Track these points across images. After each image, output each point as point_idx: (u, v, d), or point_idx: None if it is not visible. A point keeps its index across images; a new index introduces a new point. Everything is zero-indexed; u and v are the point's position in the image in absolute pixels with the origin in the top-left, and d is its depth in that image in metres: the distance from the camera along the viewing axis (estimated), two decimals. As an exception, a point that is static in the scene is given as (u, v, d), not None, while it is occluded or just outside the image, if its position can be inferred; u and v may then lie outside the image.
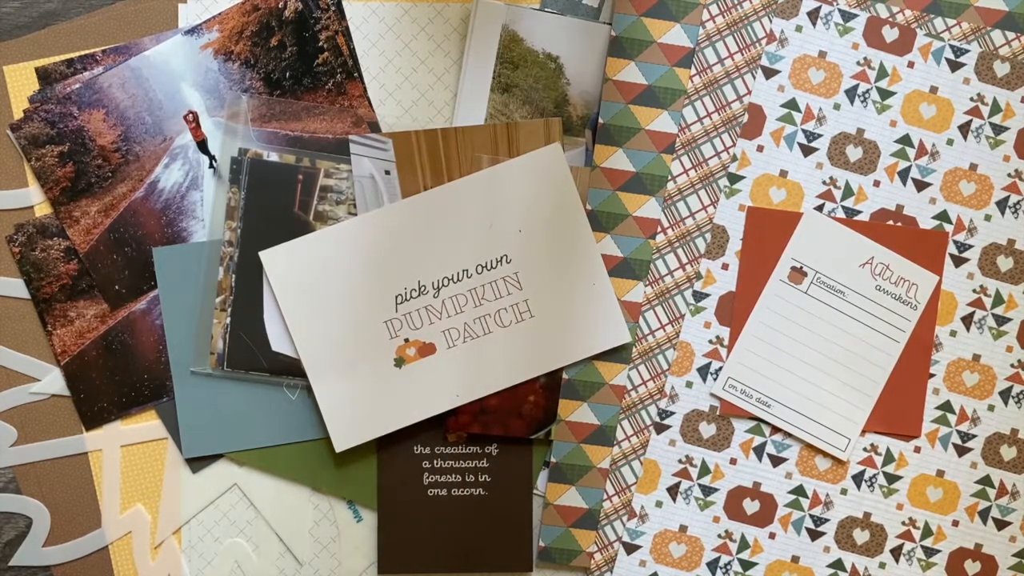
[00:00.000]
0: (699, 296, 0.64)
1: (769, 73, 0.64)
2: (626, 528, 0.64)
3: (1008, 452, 0.65)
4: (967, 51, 0.64)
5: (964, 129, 0.64)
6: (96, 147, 0.64)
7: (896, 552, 0.65)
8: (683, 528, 0.64)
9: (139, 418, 0.65)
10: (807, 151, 0.64)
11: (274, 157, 0.64)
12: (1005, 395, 0.65)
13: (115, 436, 0.65)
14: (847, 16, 0.63)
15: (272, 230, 0.63)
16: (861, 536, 0.65)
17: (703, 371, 0.64)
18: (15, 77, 0.64)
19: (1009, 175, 0.64)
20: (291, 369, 0.63)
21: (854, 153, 0.64)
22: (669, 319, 0.64)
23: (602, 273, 0.63)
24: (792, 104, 0.64)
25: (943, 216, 0.64)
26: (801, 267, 0.64)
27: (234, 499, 0.65)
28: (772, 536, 0.64)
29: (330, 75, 0.65)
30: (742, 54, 0.63)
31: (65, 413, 0.65)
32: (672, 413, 0.64)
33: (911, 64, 0.64)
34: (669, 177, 0.64)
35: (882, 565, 0.65)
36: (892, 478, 0.64)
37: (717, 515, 0.64)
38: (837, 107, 0.64)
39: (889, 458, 0.64)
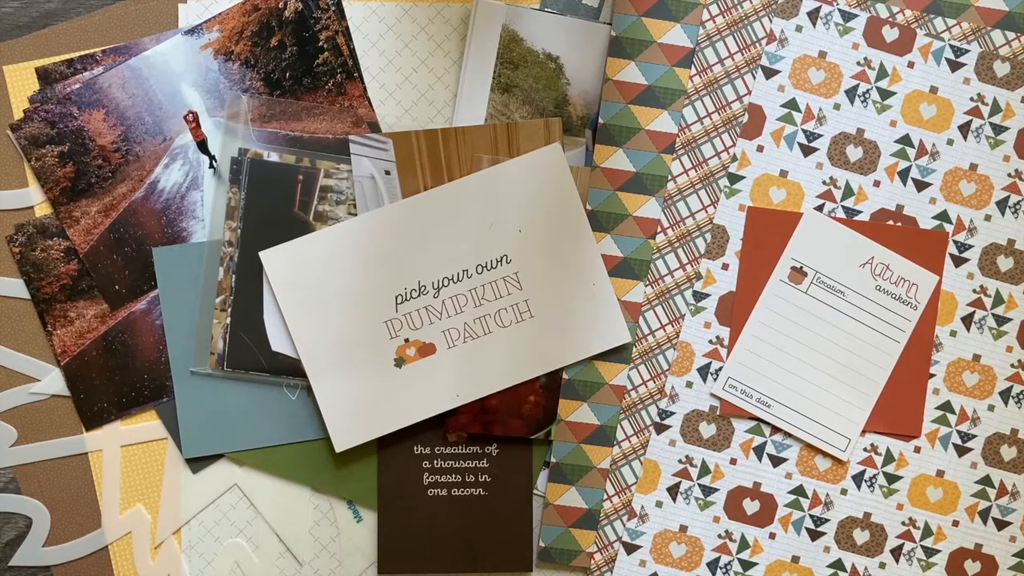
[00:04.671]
0: (699, 296, 0.64)
1: (769, 73, 0.64)
2: (626, 528, 0.64)
3: (1008, 452, 0.65)
4: (967, 51, 0.64)
5: (964, 129, 0.64)
6: (96, 147, 0.64)
7: (896, 552, 0.65)
8: (683, 528, 0.64)
9: (139, 418, 0.65)
10: (807, 151, 0.64)
11: (274, 157, 0.64)
12: (1005, 395, 0.65)
13: (115, 436, 0.65)
14: (847, 16, 0.64)
15: (272, 230, 0.63)
16: (861, 536, 0.65)
17: (703, 371, 0.64)
18: (15, 77, 0.64)
19: (1009, 175, 0.64)
20: (291, 369, 0.63)
21: (854, 153, 0.64)
22: (669, 319, 0.64)
23: (602, 273, 0.63)
24: (792, 104, 0.64)
25: (943, 216, 0.64)
26: (801, 267, 0.64)
27: (234, 499, 0.65)
28: (772, 536, 0.64)
29: (330, 75, 0.65)
30: (742, 54, 0.63)
31: (65, 413, 0.65)
32: (672, 413, 0.64)
33: (911, 64, 0.64)
34: (669, 177, 0.64)
35: (882, 565, 0.65)
36: (892, 478, 0.64)
37: (717, 515, 0.64)
38: (837, 107, 0.64)
39: (889, 458, 0.64)
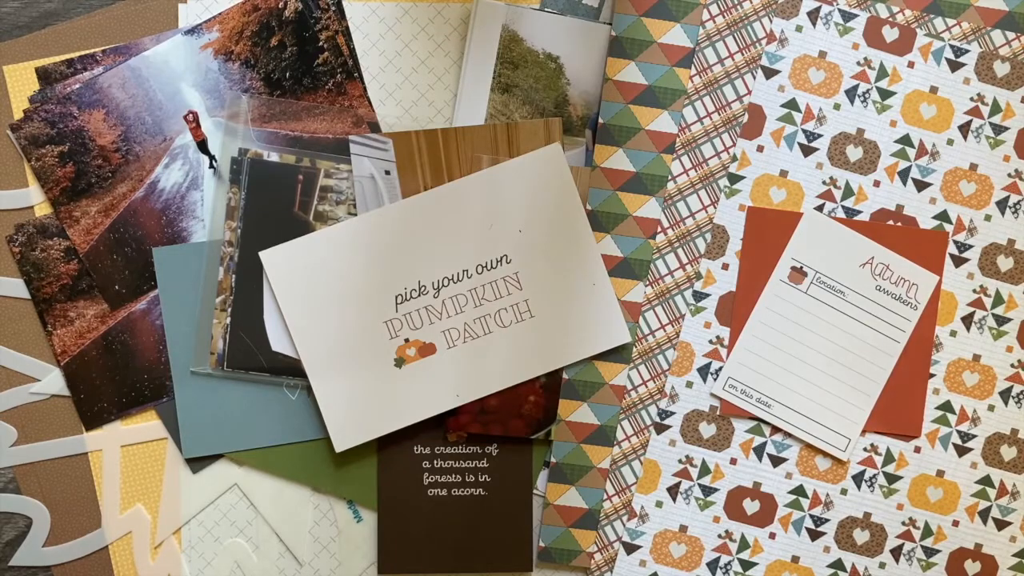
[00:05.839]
0: (699, 296, 0.64)
1: (769, 73, 0.64)
2: (626, 528, 0.64)
3: (1008, 452, 0.65)
4: (967, 51, 0.64)
5: (964, 129, 0.64)
6: (96, 147, 0.64)
7: (896, 552, 0.65)
8: (683, 528, 0.64)
9: (139, 418, 0.65)
10: (807, 151, 0.64)
11: (274, 157, 0.64)
12: (1005, 395, 0.65)
13: (115, 436, 0.65)
14: (847, 16, 0.64)
15: (272, 230, 0.63)
16: (861, 536, 0.65)
17: (703, 371, 0.64)
18: (15, 77, 0.64)
19: (1009, 175, 0.64)
20: (291, 369, 0.63)
21: (854, 153, 0.64)
22: (669, 319, 0.64)
23: (602, 273, 0.63)
24: (792, 104, 0.64)
25: (943, 216, 0.64)
26: (801, 267, 0.64)
27: (234, 499, 0.65)
28: (772, 536, 0.64)
29: (330, 75, 0.65)
30: (742, 54, 0.63)
31: (65, 413, 0.65)
32: (672, 413, 0.64)
33: (911, 64, 0.64)
34: (669, 177, 0.64)
35: (882, 565, 0.65)
36: (892, 478, 0.64)
37: (717, 515, 0.64)
38: (837, 107, 0.64)
39: (889, 458, 0.64)
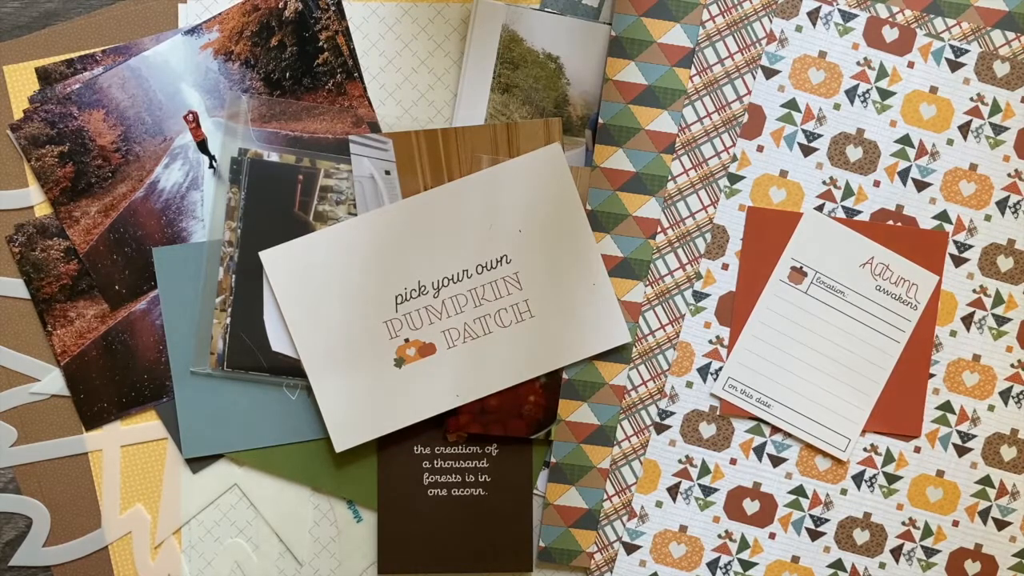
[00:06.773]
0: (699, 296, 0.64)
1: (769, 73, 0.64)
2: (626, 528, 0.64)
3: (1008, 452, 0.65)
4: (967, 51, 0.64)
5: (964, 129, 0.64)
6: (96, 147, 0.64)
7: (896, 552, 0.65)
8: (683, 528, 0.64)
9: (139, 418, 0.65)
10: (807, 151, 0.64)
11: (274, 157, 0.64)
12: (1005, 395, 0.65)
13: (115, 436, 0.65)
14: (847, 16, 0.64)
15: (272, 230, 0.63)
16: (861, 536, 0.65)
17: (703, 371, 0.64)
18: (15, 77, 0.64)
19: (1009, 175, 0.64)
20: (291, 369, 0.63)
21: (854, 153, 0.64)
22: (669, 319, 0.64)
23: (602, 273, 0.63)
24: (792, 104, 0.64)
25: (943, 216, 0.64)
26: (801, 267, 0.64)
27: (234, 499, 0.65)
28: (772, 536, 0.64)
29: (330, 75, 0.65)
30: (742, 54, 0.63)
31: (65, 413, 0.65)
32: (672, 413, 0.64)
33: (911, 64, 0.64)
34: (669, 177, 0.64)
35: (882, 565, 0.65)
36: (892, 478, 0.64)
37: (717, 515, 0.64)
38: (837, 107, 0.64)
39: (889, 458, 0.64)
